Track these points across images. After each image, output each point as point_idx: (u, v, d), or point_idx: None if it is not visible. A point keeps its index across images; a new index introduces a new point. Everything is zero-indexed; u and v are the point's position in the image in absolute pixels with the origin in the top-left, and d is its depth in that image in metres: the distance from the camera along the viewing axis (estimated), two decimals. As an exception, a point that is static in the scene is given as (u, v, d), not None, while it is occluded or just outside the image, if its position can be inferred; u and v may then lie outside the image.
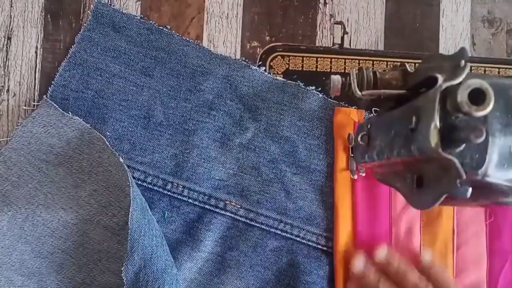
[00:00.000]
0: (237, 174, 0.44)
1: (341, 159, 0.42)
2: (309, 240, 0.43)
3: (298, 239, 0.43)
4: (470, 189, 0.22)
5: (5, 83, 0.46)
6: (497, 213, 0.42)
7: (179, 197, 0.44)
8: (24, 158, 0.43)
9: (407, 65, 0.30)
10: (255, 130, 0.45)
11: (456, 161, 0.22)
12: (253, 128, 0.45)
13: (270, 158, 0.44)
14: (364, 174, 0.41)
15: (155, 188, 0.44)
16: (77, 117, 0.43)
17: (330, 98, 0.45)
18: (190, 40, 0.46)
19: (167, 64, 0.45)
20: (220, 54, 0.46)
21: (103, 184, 0.43)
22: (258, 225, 0.43)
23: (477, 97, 0.21)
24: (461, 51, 0.24)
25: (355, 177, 0.41)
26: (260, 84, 0.45)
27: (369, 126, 0.35)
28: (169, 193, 0.44)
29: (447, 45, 0.47)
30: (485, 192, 0.25)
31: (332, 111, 0.44)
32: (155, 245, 0.40)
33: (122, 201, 0.43)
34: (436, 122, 0.23)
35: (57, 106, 0.44)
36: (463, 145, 0.23)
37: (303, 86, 0.45)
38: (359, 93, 0.30)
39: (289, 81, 0.45)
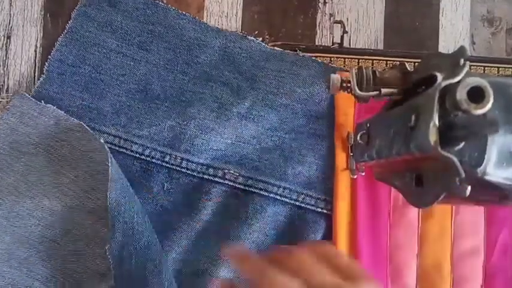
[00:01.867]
0: (235, 144, 0.44)
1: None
2: (307, 204, 0.43)
3: (297, 203, 0.43)
4: (469, 188, 0.22)
5: (4, 82, 0.46)
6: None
7: (178, 168, 0.44)
8: (4, 150, 0.43)
9: (406, 64, 0.30)
10: (253, 99, 0.44)
11: (455, 159, 0.22)
12: (251, 97, 0.44)
13: (268, 126, 0.44)
14: (363, 173, 0.41)
15: (153, 160, 0.44)
16: (50, 105, 0.44)
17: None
18: (187, 14, 0.46)
19: (164, 38, 0.45)
20: (217, 27, 0.46)
21: (85, 169, 0.43)
22: (256, 191, 0.43)
23: (476, 95, 0.21)
24: (461, 50, 0.24)
25: (355, 176, 0.41)
26: (258, 55, 0.45)
27: (368, 125, 0.35)
28: (167, 165, 0.44)
29: (447, 44, 0.47)
30: (484, 190, 0.25)
31: None
32: (136, 223, 0.40)
33: (105, 185, 0.42)
34: (435, 120, 0.23)
35: (30, 97, 0.44)
36: (462, 143, 0.23)
37: (302, 55, 0.45)
38: (358, 92, 0.30)
39: (288, 51, 0.45)
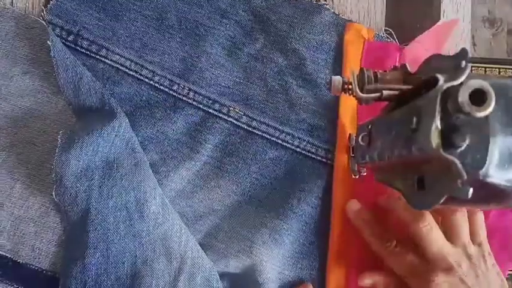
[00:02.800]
0: (243, 83, 0.45)
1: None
2: (308, 151, 0.43)
3: (298, 149, 0.44)
4: (471, 190, 0.22)
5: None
6: None
7: (184, 98, 0.44)
8: None
9: (407, 65, 0.30)
10: (264, 41, 0.45)
11: (457, 161, 0.22)
12: (262, 38, 0.45)
13: (276, 69, 0.45)
14: (365, 174, 0.41)
15: (161, 87, 0.44)
16: (9, 7, 0.44)
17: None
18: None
19: None
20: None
21: (52, 65, 0.42)
22: (259, 133, 0.44)
23: (478, 98, 0.21)
24: (462, 52, 0.24)
25: (356, 177, 0.41)
26: None
27: (369, 127, 0.35)
28: (174, 94, 0.44)
29: (447, 46, 0.47)
30: (486, 192, 0.25)
31: (343, 27, 0.45)
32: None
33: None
34: (437, 122, 0.23)
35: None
36: (464, 145, 0.23)
37: (316, 2, 0.46)
38: (360, 93, 0.30)
39: None
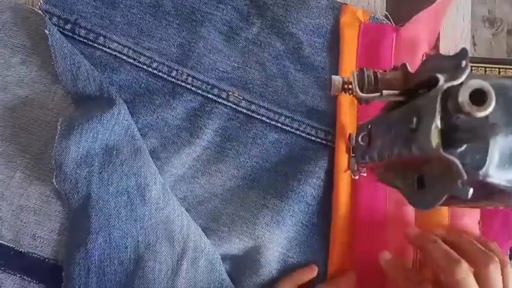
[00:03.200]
0: (241, 68, 0.45)
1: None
2: (308, 134, 0.44)
3: (297, 132, 0.44)
4: (471, 190, 0.22)
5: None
6: None
7: (183, 84, 0.44)
8: None
9: (407, 65, 0.30)
10: (261, 25, 0.45)
11: (457, 161, 0.22)
12: (259, 23, 0.45)
13: (274, 53, 0.45)
14: (365, 174, 0.41)
15: (160, 74, 0.44)
16: None
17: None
18: None
19: None
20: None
21: (49, 55, 0.42)
22: (258, 117, 0.44)
23: (478, 97, 0.21)
24: (462, 52, 0.24)
25: (356, 177, 0.41)
26: None
27: (369, 127, 0.35)
28: (173, 80, 0.44)
29: (448, 45, 0.47)
30: (486, 192, 0.25)
31: (339, 11, 0.45)
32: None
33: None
34: (437, 122, 0.23)
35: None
36: (464, 145, 0.23)
37: None
38: (360, 93, 0.30)
39: None
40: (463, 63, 0.24)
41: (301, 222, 0.42)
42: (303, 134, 0.44)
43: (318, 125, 0.44)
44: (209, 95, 0.44)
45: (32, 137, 0.43)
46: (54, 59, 0.42)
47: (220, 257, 0.41)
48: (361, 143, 0.35)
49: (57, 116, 0.42)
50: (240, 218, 0.42)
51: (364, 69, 0.30)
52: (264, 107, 0.44)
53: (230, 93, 0.44)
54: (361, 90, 0.30)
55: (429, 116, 0.23)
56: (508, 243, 0.42)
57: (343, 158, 0.42)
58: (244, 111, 0.44)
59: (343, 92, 0.33)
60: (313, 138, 0.44)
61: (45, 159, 0.42)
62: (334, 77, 0.33)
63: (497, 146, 0.23)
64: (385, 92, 0.29)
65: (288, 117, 0.44)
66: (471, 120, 0.22)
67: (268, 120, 0.44)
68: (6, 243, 0.41)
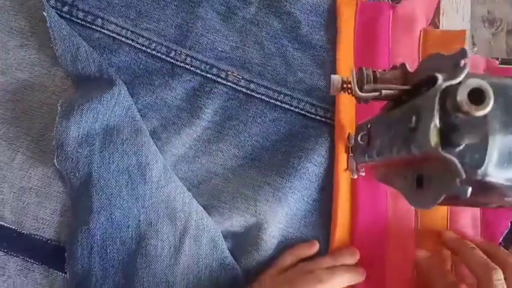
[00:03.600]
0: (240, 47, 0.45)
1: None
2: (307, 112, 0.44)
3: (297, 110, 0.44)
4: (470, 189, 0.22)
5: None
6: None
7: (182, 64, 0.44)
8: None
9: (407, 65, 0.30)
10: (259, 5, 0.46)
11: (456, 160, 0.22)
12: (256, 3, 0.46)
13: (272, 33, 0.45)
14: (364, 174, 0.41)
15: (158, 54, 0.44)
16: None
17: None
18: None
19: None
20: None
21: (47, 36, 0.43)
22: (258, 96, 0.44)
23: (477, 97, 0.21)
24: (461, 51, 0.24)
25: (355, 176, 0.41)
26: None
27: (368, 126, 0.35)
28: (172, 60, 0.44)
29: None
30: (485, 191, 0.25)
31: None
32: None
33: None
34: (436, 121, 0.23)
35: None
36: (463, 145, 0.23)
37: None
38: (359, 92, 0.30)
39: None
40: (462, 62, 0.24)
41: (303, 199, 0.42)
42: (303, 112, 0.44)
43: (317, 102, 0.44)
44: (208, 75, 0.44)
45: (32, 120, 0.43)
46: (53, 41, 0.42)
47: (222, 234, 0.41)
48: (361, 142, 0.36)
49: (58, 98, 0.42)
50: (241, 195, 0.42)
51: (364, 68, 0.30)
52: (263, 86, 0.44)
53: (229, 72, 0.44)
54: (361, 90, 0.30)
55: (428, 115, 0.23)
56: (504, 223, 0.42)
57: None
58: (244, 90, 0.44)
59: (342, 92, 0.33)
60: (312, 115, 0.44)
61: (46, 141, 0.42)
62: (333, 76, 0.33)
63: (496, 145, 0.23)
64: (384, 91, 0.29)
65: (287, 95, 0.44)
66: (470, 119, 0.22)
67: (267, 99, 0.44)
68: (8, 225, 0.41)
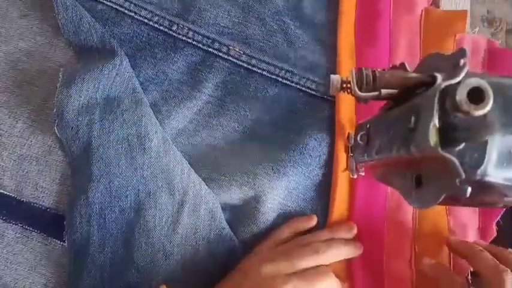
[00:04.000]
0: (242, 23, 0.45)
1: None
2: (308, 88, 0.44)
3: (298, 86, 0.44)
4: (469, 189, 0.22)
5: None
6: (494, 71, 0.44)
7: (184, 38, 0.44)
8: None
9: (406, 64, 0.30)
10: None
11: (455, 160, 0.22)
12: None
13: (274, 10, 0.46)
14: (363, 174, 0.41)
15: (161, 28, 0.44)
16: None
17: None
18: None
19: None
20: None
21: (51, 9, 0.43)
22: (259, 71, 0.44)
23: (476, 96, 0.21)
24: (461, 51, 0.24)
25: (355, 176, 0.41)
26: None
27: (368, 126, 0.35)
28: (174, 34, 0.44)
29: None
30: (484, 191, 0.25)
31: None
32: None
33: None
34: (435, 121, 0.23)
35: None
36: (463, 144, 0.23)
37: None
38: (358, 92, 0.30)
39: None
40: (461, 62, 0.24)
41: (303, 174, 0.42)
42: (303, 88, 0.44)
43: (318, 79, 0.44)
44: (210, 49, 0.44)
45: (34, 89, 0.43)
46: (56, 10, 0.42)
47: (220, 206, 0.42)
48: (360, 142, 0.36)
49: (59, 69, 0.42)
50: (240, 169, 0.42)
51: (363, 68, 0.30)
52: (264, 61, 0.44)
53: (231, 47, 0.44)
54: (360, 90, 0.30)
55: (427, 115, 0.24)
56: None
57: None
58: (245, 65, 0.44)
59: (341, 91, 0.33)
60: (313, 92, 0.44)
61: (47, 110, 0.42)
62: (332, 76, 0.33)
63: (495, 145, 0.23)
64: (383, 91, 0.29)
65: (289, 71, 0.44)
66: (469, 119, 0.22)
67: (268, 75, 0.44)
68: (7, 193, 0.41)
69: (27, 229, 0.41)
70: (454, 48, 0.44)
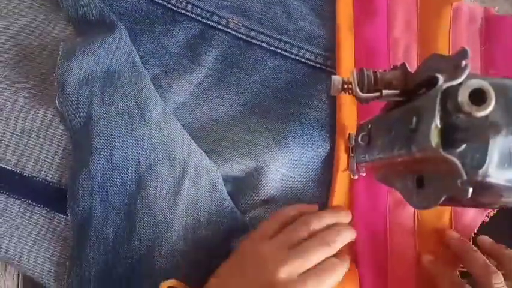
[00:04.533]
0: None
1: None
2: (307, 59, 0.44)
3: (297, 57, 0.44)
4: (471, 190, 0.22)
5: None
6: (491, 39, 0.44)
7: (183, 11, 0.45)
8: None
9: (407, 65, 0.30)
10: None
11: (457, 161, 0.22)
12: None
13: None
14: (364, 174, 0.41)
15: (160, 1, 0.45)
16: None
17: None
18: None
19: None
20: None
21: None
22: (258, 43, 0.44)
23: (478, 97, 0.21)
24: (462, 52, 0.24)
25: (356, 177, 0.41)
26: None
27: (369, 126, 0.35)
28: (173, 7, 0.45)
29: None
30: (485, 192, 0.25)
31: None
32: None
33: None
34: (437, 122, 0.23)
35: None
36: (464, 145, 0.23)
37: None
38: (360, 93, 0.30)
39: None
40: (463, 63, 0.24)
41: (305, 145, 0.42)
42: (302, 60, 0.44)
43: (317, 50, 0.44)
44: (209, 22, 0.44)
45: (34, 64, 0.43)
46: None
47: (221, 177, 0.42)
48: (361, 142, 0.36)
49: (59, 44, 0.42)
50: (241, 140, 0.42)
51: (364, 69, 0.30)
52: (263, 33, 0.44)
53: (230, 20, 0.44)
54: (361, 90, 0.30)
55: (429, 116, 0.23)
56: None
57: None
58: (244, 37, 0.44)
59: (343, 92, 0.33)
60: (312, 63, 0.44)
61: (47, 85, 0.42)
62: (334, 77, 0.33)
63: (497, 146, 0.23)
64: (384, 91, 0.29)
65: (287, 43, 0.44)
66: (471, 120, 0.22)
67: (267, 46, 0.44)
68: (9, 168, 0.41)
69: (30, 203, 0.41)
70: (451, 17, 0.44)
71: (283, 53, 0.44)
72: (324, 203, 0.42)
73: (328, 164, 0.42)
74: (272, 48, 0.44)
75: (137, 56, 0.42)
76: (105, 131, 0.39)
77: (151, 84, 0.42)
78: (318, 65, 0.44)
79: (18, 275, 0.44)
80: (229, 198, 0.41)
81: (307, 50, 0.44)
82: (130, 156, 0.39)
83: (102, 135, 0.39)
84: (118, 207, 0.39)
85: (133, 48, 0.42)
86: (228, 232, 0.41)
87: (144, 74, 0.42)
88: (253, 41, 0.44)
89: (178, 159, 0.40)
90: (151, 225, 0.39)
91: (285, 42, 0.44)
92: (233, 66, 0.44)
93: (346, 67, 0.42)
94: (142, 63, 0.43)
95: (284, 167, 0.42)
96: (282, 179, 0.42)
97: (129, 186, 0.40)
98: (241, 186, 0.42)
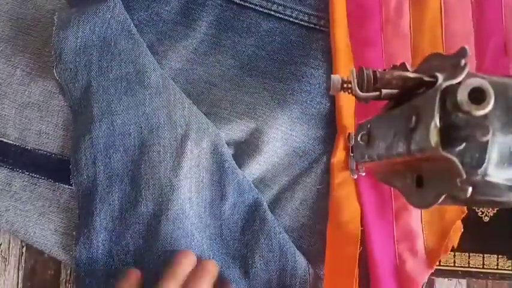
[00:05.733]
0: None
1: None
2: (301, 20, 0.44)
3: (291, 19, 0.44)
4: (470, 189, 0.22)
5: None
6: None
7: None
8: None
9: (407, 64, 0.30)
10: None
11: (456, 160, 0.22)
12: None
13: None
14: (364, 174, 0.41)
15: None
16: None
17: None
18: None
19: None
20: None
21: None
22: (251, 6, 0.44)
23: (477, 96, 0.21)
24: (461, 51, 0.24)
25: (355, 176, 0.41)
26: None
27: (368, 126, 0.35)
28: None
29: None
30: (484, 191, 0.25)
31: None
32: None
33: None
34: (436, 121, 0.23)
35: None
36: (463, 144, 0.23)
37: None
38: (359, 93, 0.30)
39: None
40: (462, 62, 0.24)
41: (305, 102, 0.43)
42: (296, 21, 0.44)
43: (310, 11, 0.44)
44: None
45: (30, 38, 0.43)
46: None
47: (223, 138, 0.42)
48: (361, 142, 0.36)
49: (53, 16, 0.42)
50: (240, 102, 0.43)
51: (364, 68, 0.30)
52: None
53: None
54: (361, 90, 0.30)
55: (428, 115, 0.23)
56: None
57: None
58: (237, 1, 0.45)
59: (342, 91, 0.33)
60: (306, 24, 0.44)
61: (44, 57, 0.42)
62: (333, 76, 0.32)
63: (496, 145, 0.23)
64: (384, 91, 0.29)
65: (281, 5, 0.44)
66: (470, 119, 0.22)
67: (261, 9, 0.45)
68: (12, 142, 0.42)
69: (33, 176, 0.42)
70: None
71: (277, 15, 0.44)
72: (325, 162, 0.42)
73: (329, 122, 0.43)
74: (265, 10, 0.44)
75: (132, 24, 0.43)
76: (105, 98, 0.40)
77: (148, 51, 0.42)
78: (312, 25, 0.44)
79: (18, 275, 0.44)
80: (231, 159, 0.42)
81: (300, 11, 0.44)
82: (131, 122, 0.40)
83: (102, 102, 0.40)
84: (122, 174, 0.40)
85: (128, 17, 0.43)
86: (231, 191, 0.41)
87: (140, 41, 0.42)
88: (246, 4, 0.45)
89: (179, 123, 0.41)
90: (156, 188, 0.39)
91: (278, 4, 0.45)
92: (227, 30, 0.44)
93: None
94: (137, 31, 0.43)
95: (285, 124, 0.42)
96: (283, 137, 0.43)
97: (132, 151, 0.40)
98: (244, 147, 0.43)
